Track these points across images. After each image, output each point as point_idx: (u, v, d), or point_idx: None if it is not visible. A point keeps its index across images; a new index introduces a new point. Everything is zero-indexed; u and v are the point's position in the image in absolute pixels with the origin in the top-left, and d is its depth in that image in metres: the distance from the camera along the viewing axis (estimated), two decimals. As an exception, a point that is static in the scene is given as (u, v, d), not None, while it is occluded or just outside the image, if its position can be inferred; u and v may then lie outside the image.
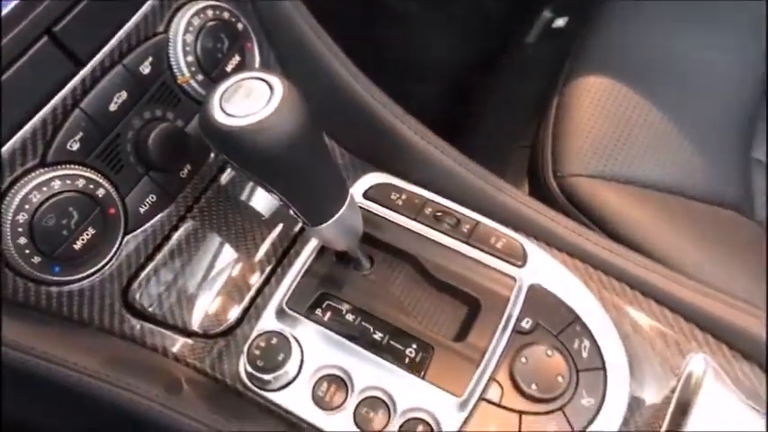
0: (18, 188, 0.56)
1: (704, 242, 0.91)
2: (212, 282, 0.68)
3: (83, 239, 0.59)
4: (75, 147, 0.59)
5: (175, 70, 0.64)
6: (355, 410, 0.60)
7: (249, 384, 0.62)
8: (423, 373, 0.60)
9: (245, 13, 0.69)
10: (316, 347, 0.62)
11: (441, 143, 0.73)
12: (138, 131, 0.63)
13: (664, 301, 0.66)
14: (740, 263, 0.91)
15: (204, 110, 0.50)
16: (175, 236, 0.68)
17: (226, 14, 0.67)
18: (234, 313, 0.66)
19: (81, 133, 0.59)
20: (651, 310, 0.66)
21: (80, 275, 0.61)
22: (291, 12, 0.72)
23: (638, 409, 0.61)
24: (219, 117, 0.49)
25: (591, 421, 0.59)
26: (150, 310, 0.65)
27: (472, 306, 0.64)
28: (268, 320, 0.64)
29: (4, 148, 0.55)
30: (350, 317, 0.64)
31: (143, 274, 0.66)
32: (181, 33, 0.64)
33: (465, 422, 0.59)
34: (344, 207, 0.58)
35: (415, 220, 0.69)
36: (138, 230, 0.65)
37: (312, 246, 0.68)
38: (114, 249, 0.63)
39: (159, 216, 0.67)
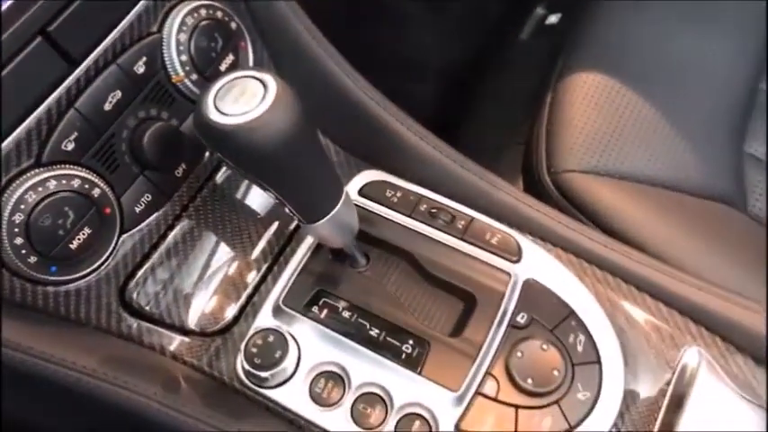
0: (14, 188, 0.56)
1: (697, 236, 0.91)
2: (209, 280, 0.68)
3: (79, 239, 0.59)
4: (70, 147, 0.59)
5: (169, 69, 0.65)
6: (352, 406, 0.60)
7: (246, 382, 0.62)
8: (419, 369, 0.61)
9: (239, 13, 0.69)
10: (312, 344, 0.63)
11: (435, 140, 0.73)
12: (132, 131, 0.63)
13: (658, 295, 0.67)
14: (733, 256, 0.91)
15: (198, 109, 0.50)
16: (171, 235, 0.68)
17: (219, 14, 0.67)
18: (231, 311, 0.67)
19: (76, 133, 0.59)
20: (646, 305, 0.66)
21: (77, 275, 0.62)
22: (285, 11, 0.72)
23: (634, 403, 0.61)
24: (214, 116, 0.49)
25: (586, 415, 0.59)
26: (147, 309, 0.66)
27: (468, 302, 0.65)
28: (265, 318, 0.65)
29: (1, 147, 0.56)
30: (346, 314, 0.64)
31: (140, 274, 0.66)
32: (174, 33, 0.64)
33: (461, 417, 0.59)
34: (340, 204, 0.58)
35: (410, 216, 0.69)
36: (134, 230, 0.65)
37: (308, 243, 0.68)
38: (110, 249, 0.63)
39: (155, 215, 0.67)
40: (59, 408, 0.69)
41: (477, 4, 1.42)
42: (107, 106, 0.61)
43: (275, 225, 0.71)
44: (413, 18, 1.39)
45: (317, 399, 0.61)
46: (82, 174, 0.59)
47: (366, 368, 0.61)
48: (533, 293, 0.65)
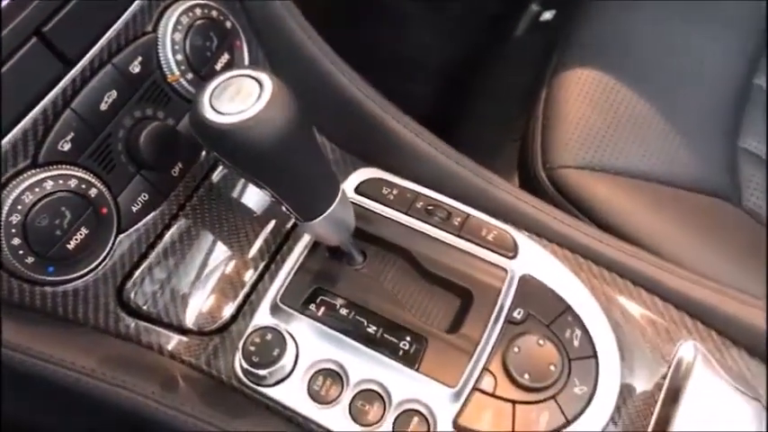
0: (10, 189, 0.56)
1: (692, 230, 0.92)
2: (206, 279, 0.68)
3: (76, 239, 0.59)
4: (67, 147, 0.59)
5: (165, 69, 0.65)
6: (351, 404, 0.61)
7: (245, 380, 0.62)
8: (417, 366, 0.61)
9: (234, 12, 0.69)
10: (310, 342, 0.63)
11: (431, 137, 0.74)
12: (129, 131, 0.63)
13: (654, 289, 0.67)
14: (729, 250, 0.92)
15: (194, 108, 0.50)
16: (168, 234, 0.68)
17: (214, 13, 0.67)
18: (228, 310, 0.67)
19: (72, 133, 0.59)
20: (641, 299, 0.67)
21: (74, 275, 0.62)
22: (280, 10, 0.72)
23: (630, 397, 0.62)
24: (210, 115, 0.49)
25: (583, 409, 0.60)
26: (145, 308, 0.66)
27: (465, 298, 0.65)
28: (262, 316, 0.65)
29: None
30: (344, 311, 0.64)
31: (137, 273, 0.66)
32: (169, 32, 0.64)
33: (459, 412, 0.60)
34: (336, 202, 0.58)
35: (406, 214, 0.69)
36: (132, 229, 0.66)
37: (305, 241, 0.68)
38: (108, 249, 0.63)
39: (152, 215, 0.67)
40: (58, 408, 0.69)
41: (474, 2, 1.42)
42: (103, 106, 0.61)
43: (272, 223, 0.71)
44: (409, 16, 1.39)
45: (315, 396, 0.61)
46: (78, 174, 0.59)
47: (364, 365, 0.62)
48: (530, 289, 0.65)
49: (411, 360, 0.61)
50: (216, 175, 0.71)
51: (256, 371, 0.61)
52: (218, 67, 0.67)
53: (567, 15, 1.18)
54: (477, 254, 0.67)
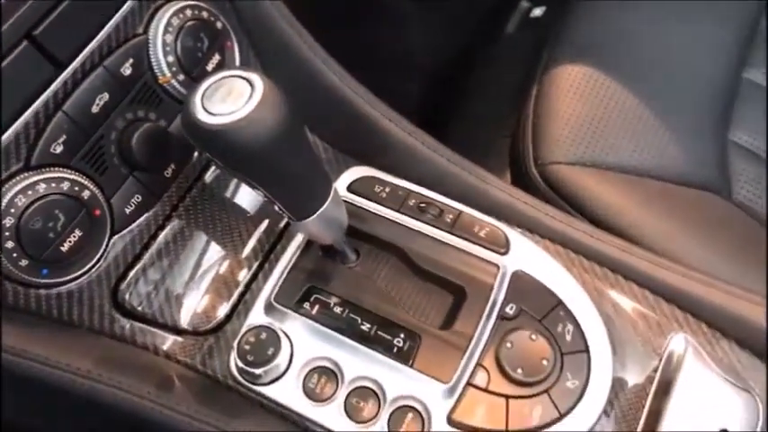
0: (3, 192, 0.56)
1: (683, 224, 0.92)
2: (200, 279, 0.68)
3: (70, 241, 0.60)
4: (59, 149, 0.59)
5: (156, 71, 0.65)
6: (345, 401, 0.61)
7: (240, 379, 0.63)
8: (411, 362, 0.61)
9: (224, 12, 0.70)
10: (305, 340, 0.63)
11: (423, 136, 0.74)
12: (121, 132, 0.63)
13: (645, 283, 0.68)
14: (719, 243, 0.92)
15: (186, 109, 0.51)
16: (162, 235, 0.68)
17: (205, 14, 0.67)
18: (223, 310, 0.67)
19: (64, 136, 0.59)
20: (632, 293, 0.67)
21: (68, 277, 0.62)
22: (270, 10, 0.72)
23: (622, 390, 0.62)
24: (201, 116, 0.50)
25: (576, 403, 0.60)
26: (140, 309, 0.66)
27: (457, 294, 0.65)
28: (257, 316, 0.65)
29: None
30: (338, 309, 0.65)
31: (131, 274, 0.66)
32: (160, 34, 0.64)
33: (453, 408, 0.60)
34: (328, 201, 0.59)
35: (399, 211, 0.70)
36: (125, 231, 0.66)
37: (298, 240, 0.68)
38: (101, 250, 0.63)
39: (145, 216, 0.67)
40: (55, 410, 0.70)
41: (466, 0, 1.43)
42: (95, 108, 0.61)
43: (265, 223, 0.71)
44: (402, 15, 1.39)
45: (310, 394, 0.61)
46: (71, 176, 0.60)
47: (358, 363, 0.62)
48: (522, 285, 0.65)
49: (405, 357, 0.62)
50: (209, 176, 0.72)
51: (251, 370, 0.61)
52: (210, 68, 0.68)
53: (557, 12, 1.19)
54: (469, 250, 0.67)
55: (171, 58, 0.65)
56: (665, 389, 0.61)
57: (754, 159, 1.04)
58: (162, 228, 0.68)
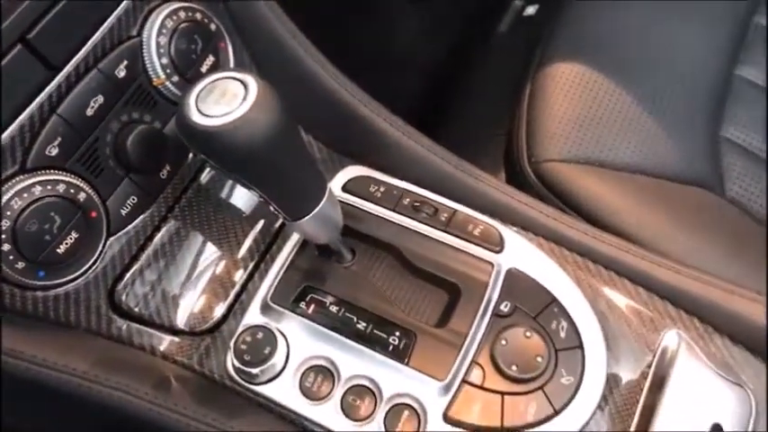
0: (-1, 195, 0.56)
1: (676, 220, 0.93)
2: (196, 280, 0.68)
3: (66, 243, 0.60)
4: (55, 152, 0.59)
5: (150, 73, 0.65)
6: (342, 399, 0.61)
7: (237, 379, 0.63)
8: (406, 360, 0.62)
9: (218, 14, 0.70)
10: (301, 340, 0.64)
11: (417, 135, 0.74)
12: (116, 134, 0.63)
13: (638, 279, 0.68)
14: (712, 239, 0.93)
15: (180, 111, 0.51)
16: (158, 236, 0.69)
17: (198, 15, 0.68)
18: (219, 310, 0.67)
19: (59, 138, 0.59)
20: (626, 289, 0.68)
21: (65, 279, 0.62)
22: (264, 11, 0.73)
23: (616, 386, 0.63)
24: (196, 117, 0.50)
25: (571, 399, 0.61)
26: (136, 310, 0.66)
27: (452, 292, 0.66)
28: (253, 315, 0.65)
29: None
30: (334, 308, 0.65)
31: (128, 276, 0.66)
32: (154, 36, 0.64)
33: (449, 405, 0.60)
34: (323, 201, 0.59)
35: (393, 210, 0.70)
36: (121, 232, 0.66)
37: (294, 240, 0.69)
38: (98, 252, 0.64)
39: (141, 217, 0.67)
40: (52, 411, 0.70)
41: (458, -1, 1.43)
42: (89, 111, 0.61)
43: (261, 223, 0.71)
44: (395, 14, 1.40)
45: (307, 393, 0.62)
46: (67, 178, 0.60)
47: (354, 361, 0.62)
48: (516, 282, 0.66)
49: (401, 355, 0.62)
50: (204, 177, 0.72)
51: (248, 369, 0.61)
52: (204, 69, 0.68)
53: (550, 10, 1.19)
54: (464, 249, 0.68)
55: (165, 60, 0.65)
56: (658, 384, 0.62)
57: (747, 156, 1.05)
58: (158, 229, 0.69)
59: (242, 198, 0.72)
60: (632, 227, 0.89)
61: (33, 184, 0.58)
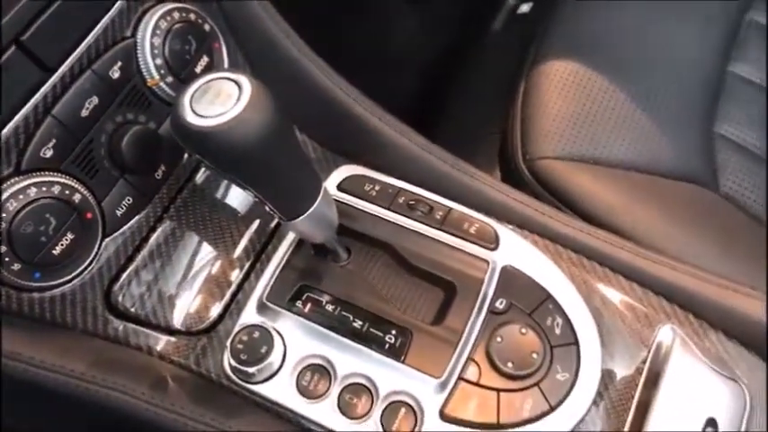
0: (-6, 197, 0.56)
1: (671, 217, 0.93)
2: (193, 280, 0.69)
3: (62, 245, 0.60)
4: (49, 153, 0.59)
5: (145, 73, 0.65)
6: (339, 397, 0.61)
7: (234, 378, 0.63)
8: (402, 358, 0.62)
9: (212, 14, 0.70)
10: (298, 339, 0.64)
11: (412, 134, 0.74)
12: (110, 135, 0.63)
13: (632, 275, 0.68)
14: (706, 235, 0.93)
15: (175, 112, 0.51)
16: (154, 237, 0.69)
17: (192, 16, 0.68)
18: (215, 310, 0.67)
19: (54, 140, 0.60)
20: (620, 285, 0.68)
21: (61, 280, 0.62)
22: (257, 11, 0.73)
23: (612, 381, 0.63)
24: (190, 118, 0.50)
25: (566, 395, 0.61)
26: (133, 310, 0.66)
27: (448, 290, 0.66)
28: (249, 315, 0.65)
29: None
30: (330, 307, 0.65)
31: (124, 276, 0.67)
32: (148, 37, 0.64)
33: (445, 402, 0.61)
34: (318, 201, 0.59)
35: (389, 209, 0.70)
36: (117, 233, 0.66)
37: (289, 240, 0.69)
38: (93, 253, 0.64)
39: (137, 218, 0.67)
40: (50, 412, 0.70)
41: (449, -3, 1.43)
42: (84, 112, 0.61)
43: (256, 223, 0.71)
44: (390, 12, 1.40)
45: (303, 391, 0.62)
46: (62, 180, 0.60)
47: (351, 359, 0.63)
48: (511, 279, 0.66)
49: (397, 353, 0.62)
50: (199, 177, 0.72)
51: (245, 368, 0.61)
52: (198, 69, 0.68)
53: (544, 8, 1.20)
54: (459, 246, 0.68)
55: (159, 61, 0.65)
56: (653, 380, 0.62)
57: (741, 152, 1.06)
58: (153, 229, 0.69)
59: (237, 198, 0.72)
60: (627, 223, 0.90)
61: (28, 186, 0.58)
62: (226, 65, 0.72)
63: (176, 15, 0.66)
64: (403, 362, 0.62)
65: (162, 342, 0.66)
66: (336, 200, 0.67)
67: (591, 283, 0.68)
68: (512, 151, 1.00)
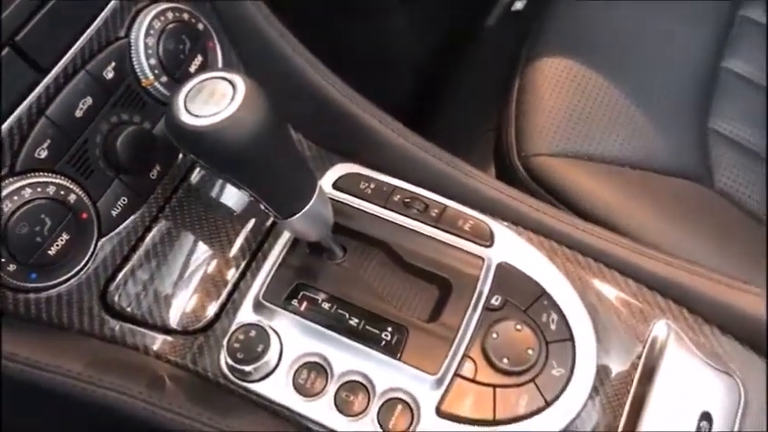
0: (-12, 198, 0.56)
1: (666, 213, 0.94)
2: (189, 279, 0.69)
3: (57, 245, 0.60)
4: (44, 154, 0.59)
5: (139, 74, 0.65)
6: (335, 395, 0.62)
7: (231, 377, 0.63)
8: (399, 355, 0.62)
9: (205, 14, 0.70)
10: (294, 337, 0.64)
11: (407, 132, 0.75)
12: (105, 136, 0.63)
13: (627, 271, 0.69)
14: (701, 231, 0.94)
15: (169, 111, 0.51)
16: (149, 236, 0.69)
17: (186, 15, 0.68)
18: (212, 309, 0.68)
19: (48, 141, 0.59)
20: (615, 281, 0.68)
21: (57, 281, 0.62)
22: (251, 10, 0.73)
23: (607, 377, 0.63)
24: (184, 118, 0.50)
25: (562, 391, 0.61)
26: (129, 310, 0.66)
27: (444, 287, 0.66)
28: (246, 314, 0.66)
29: None
30: (326, 305, 0.65)
31: (120, 276, 0.67)
32: (142, 37, 0.64)
33: (442, 399, 0.61)
34: (314, 199, 0.59)
35: (384, 207, 0.70)
36: (113, 233, 0.66)
37: (285, 238, 0.69)
38: (89, 253, 0.64)
39: (132, 218, 0.67)
40: (48, 413, 0.70)
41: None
42: (78, 113, 0.61)
43: (252, 222, 0.72)
44: (384, 9, 1.40)
45: (300, 389, 0.62)
46: (57, 180, 0.60)
47: (347, 357, 0.63)
48: (506, 276, 0.66)
49: (393, 350, 0.63)
50: (194, 177, 0.72)
51: (242, 367, 0.62)
52: (192, 69, 0.68)
53: (538, 5, 1.20)
54: (454, 244, 0.68)
55: (153, 61, 0.65)
56: (648, 374, 0.62)
57: (735, 147, 1.06)
58: (149, 229, 0.69)
59: (232, 197, 0.72)
60: (621, 219, 0.90)
61: (23, 187, 0.58)
62: (220, 64, 0.72)
63: (170, 15, 0.66)
64: (399, 359, 0.62)
65: (158, 341, 0.66)
66: (332, 198, 0.67)
67: (586, 279, 0.68)
68: (506, 148, 1.00)
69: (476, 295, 0.65)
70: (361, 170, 0.74)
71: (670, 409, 0.61)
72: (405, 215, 0.70)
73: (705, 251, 0.90)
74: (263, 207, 0.59)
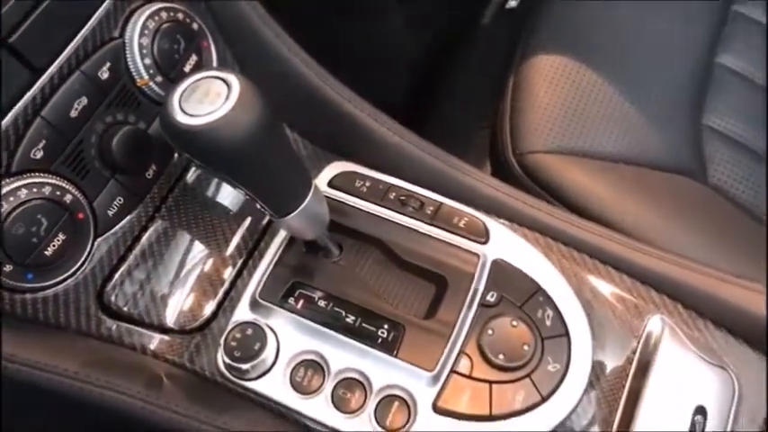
0: (-16, 199, 0.57)
1: (660, 208, 0.94)
2: (185, 278, 0.69)
3: (53, 245, 0.60)
4: (39, 155, 0.59)
5: (134, 73, 0.65)
6: (332, 393, 0.62)
7: (228, 375, 0.63)
8: (395, 352, 0.62)
9: (200, 13, 0.70)
10: (291, 335, 0.64)
11: (403, 130, 0.75)
12: (100, 136, 0.64)
13: (622, 267, 0.69)
14: (695, 226, 0.94)
15: (164, 111, 0.51)
16: (146, 236, 0.69)
17: (180, 15, 0.68)
18: (209, 308, 0.68)
19: (44, 141, 0.60)
20: (610, 277, 0.69)
21: (54, 281, 0.62)
22: (246, 9, 0.73)
23: (602, 372, 0.64)
24: (180, 117, 0.50)
25: (557, 386, 0.62)
26: (126, 310, 0.66)
27: (439, 284, 0.66)
28: (242, 312, 0.66)
29: None
30: (322, 303, 0.66)
31: (116, 276, 0.67)
32: (137, 37, 0.64)
33: (438, 395, 0.61)
34: (309, 197, 0.59)
35: (380, 205, 0.71)
36: (109, 233, 0.66)
37: (281, 237, 0.69)
38: (86, 253, 0.64)
39: (128, 218, 0.67)
40: (46, 413, 0.70)
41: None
42: (73, 113, 0.61)
43: (248, 221, 0.72)
44: (378, 7, 1.40)
45: (297, 387, 0.62)
46: (52, 181, 0.60)
47: (344, 355, 0.63)
48: (502, 272, 0.67)
49: (389, 347, 0.63)
50: (190, 176, 0.72)
51: (239, 365, 0.62)
52: (187, 69, 0.68)
53: (532, 2, 1.20)
54: (450, 241, 0.68)
55: (148, 61, 0.65)
56: (643, 369, 0.63)
57: (729, 143, 1.06)
58: (145, 229, 0.69)
59: (228, 196, 0.72)
60: (616, 215, 0.90)
61: (19, 188, 0.58)
62: (215, 63, 0.72)
63: (164, 15, 0.66)
64: (396, 356, 0.62)
65: (155, 341, 0.66)
66: (327, 196, 0.67)
67: (581, 275, 0.68)
68: (502, 146, 1.00)
69: (471, 292, 0.65)
70: (356, 168, 0.74)
71: (665, 403, 0.61)
72: (400, 213, 0.70)
73: (699, 246, 0.91)
74: (258, 206, 0.59)
